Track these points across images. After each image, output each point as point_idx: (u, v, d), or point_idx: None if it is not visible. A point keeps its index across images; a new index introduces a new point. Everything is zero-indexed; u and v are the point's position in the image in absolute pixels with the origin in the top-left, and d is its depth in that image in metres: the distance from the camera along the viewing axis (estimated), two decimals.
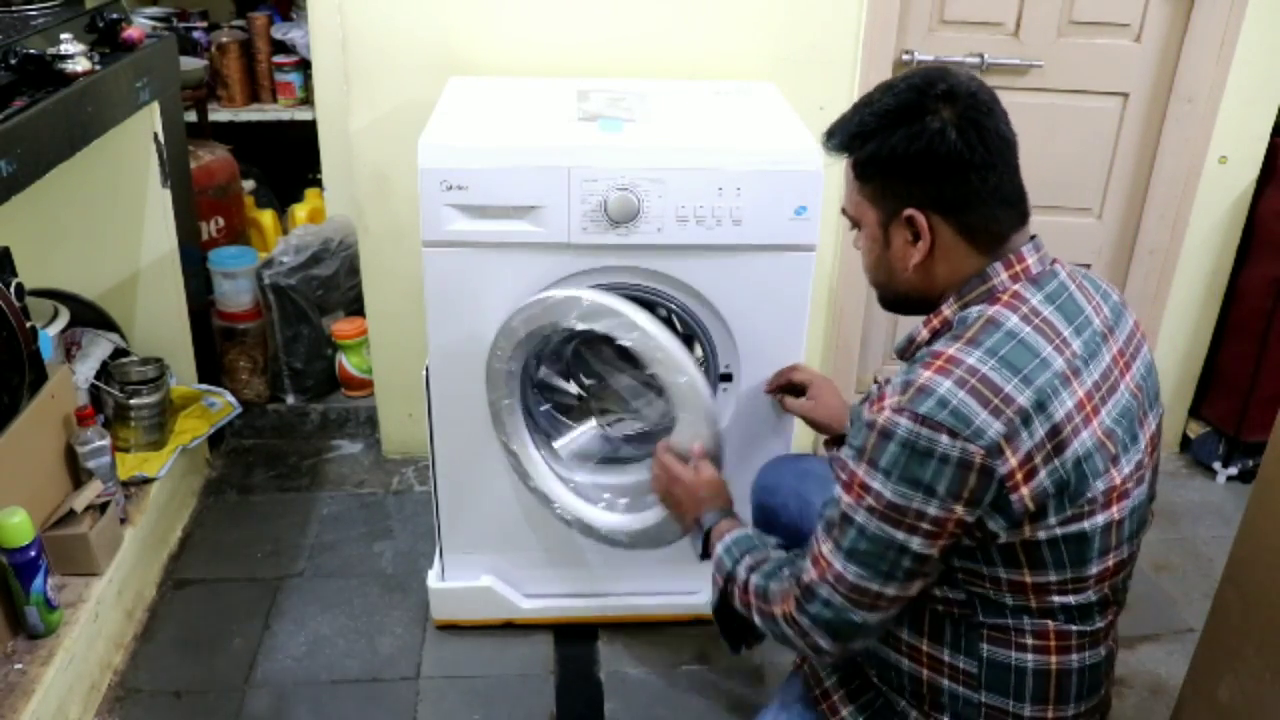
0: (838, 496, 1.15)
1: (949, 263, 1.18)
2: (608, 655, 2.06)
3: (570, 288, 1.70)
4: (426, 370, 1.86)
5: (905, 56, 2.34)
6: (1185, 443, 2.80)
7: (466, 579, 2.05)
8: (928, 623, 1.22)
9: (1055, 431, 1.08)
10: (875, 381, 1.29)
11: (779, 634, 1.23)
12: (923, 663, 1.23)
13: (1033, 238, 1.20)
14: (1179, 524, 2.53)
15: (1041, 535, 1.12)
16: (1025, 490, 1.08)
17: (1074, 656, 1.20)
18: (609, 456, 1.96)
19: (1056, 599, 1.17)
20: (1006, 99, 2.62)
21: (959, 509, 1.08)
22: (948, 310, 1.18)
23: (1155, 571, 2.36)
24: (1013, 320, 1.12)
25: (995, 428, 1.06)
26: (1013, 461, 1.07)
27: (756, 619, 1.28)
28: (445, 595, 2.06)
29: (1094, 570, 1.16)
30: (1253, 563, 1.43)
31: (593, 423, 2.00)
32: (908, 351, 1.22)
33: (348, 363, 2.70)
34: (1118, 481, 1.15)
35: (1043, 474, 1.09)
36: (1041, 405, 1.08)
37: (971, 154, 1.12)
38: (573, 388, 2.01)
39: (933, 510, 1.08)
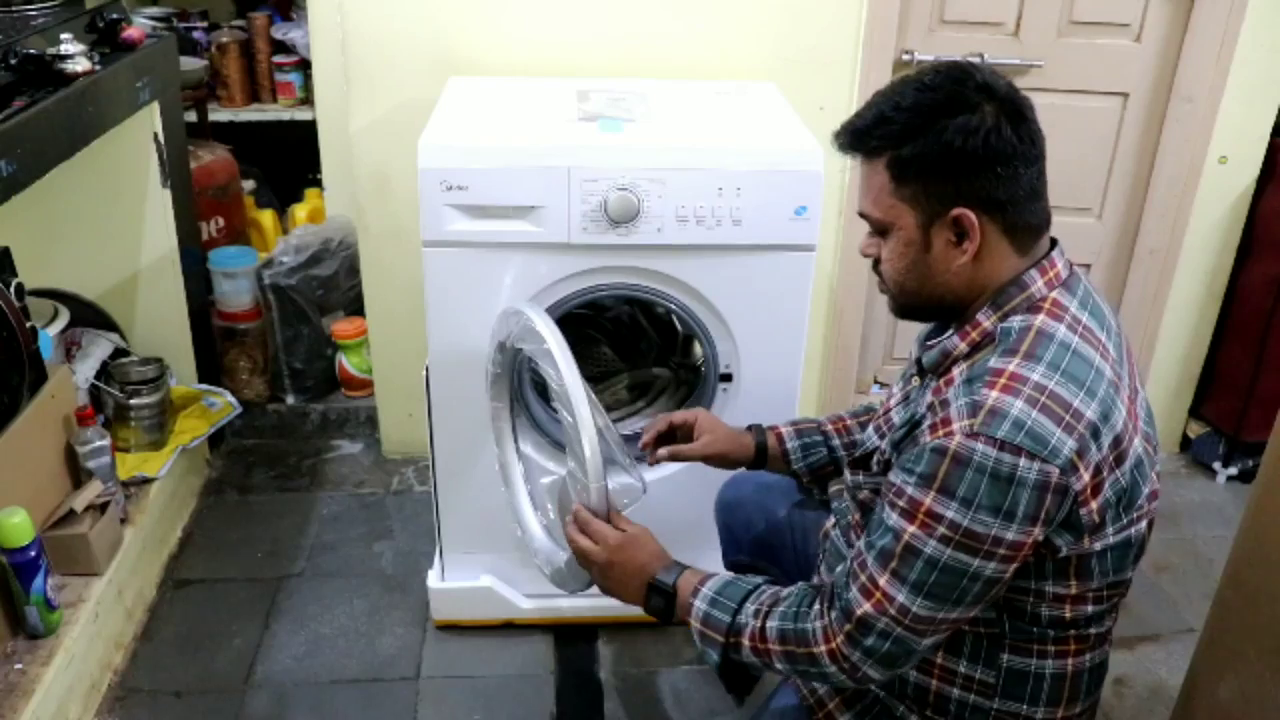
0: (896, 526, 1.08)
1: (991, 262, 1.14)
2: (608, 655, 2.06)
3: (533, 302, 1.64)
4: (426, 370, 1.86)
5: (905, 56, 2.34)
6: (1185, 443, 2.80)
7: (466, 579, 2.05)
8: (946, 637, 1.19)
9: (1117, 442, 1.08)
10: (921, 374, 1.19)
11: (817, 674, 1.17)
12: (933, 675, 1.23)
13: (1055, 241, 1.19)
14: (1179, 524, 2.53)
15: (1097, 546, 1.11)
16: (1094, 504, 1.08)
17: (1087, 657, 1.21)
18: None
19: (1090, 607, 1.16)
20: None
21: (1036, 530, 1.06)
22: (987, 321, 1.14)
23: (1155, 571, 2.36)
24: (1062, 330, 1.10)
25: (1069, 445, 1.04)
26: (1086, 477, 1.05)
27: (781, 664, 1.18)
28: (445, 595, 2.06)
29: (1129, 574, 1.18)
30: (1253, 563, 1.43)
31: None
32: (942, 366, 1.17)
33: (348, 363, 2.70)
34: (1157, 484, 1.16)
35: (1107, 486, 1.08)
36: (1106, 416, 1.07)
37: (1022, 148, 1.10)
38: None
39: (1011, 535, 1.05)
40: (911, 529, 1.07)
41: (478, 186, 1.68)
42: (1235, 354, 2.62)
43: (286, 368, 2.67)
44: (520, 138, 1.76)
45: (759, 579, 1.27)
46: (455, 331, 1.80)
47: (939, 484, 1.05)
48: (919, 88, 1.11)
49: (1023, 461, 1.02)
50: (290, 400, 2.71)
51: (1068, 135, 2.45)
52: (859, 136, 1.15)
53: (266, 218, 3.03)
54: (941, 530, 1.05)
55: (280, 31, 2.95)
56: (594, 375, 2.01)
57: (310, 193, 3.02)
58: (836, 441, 1.56)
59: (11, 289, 1.81)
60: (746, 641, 1.20)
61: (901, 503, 1.08)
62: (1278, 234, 2.47)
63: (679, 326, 1.90)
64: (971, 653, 1.19)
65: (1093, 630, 1.20)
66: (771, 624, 1.18)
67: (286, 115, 2.98)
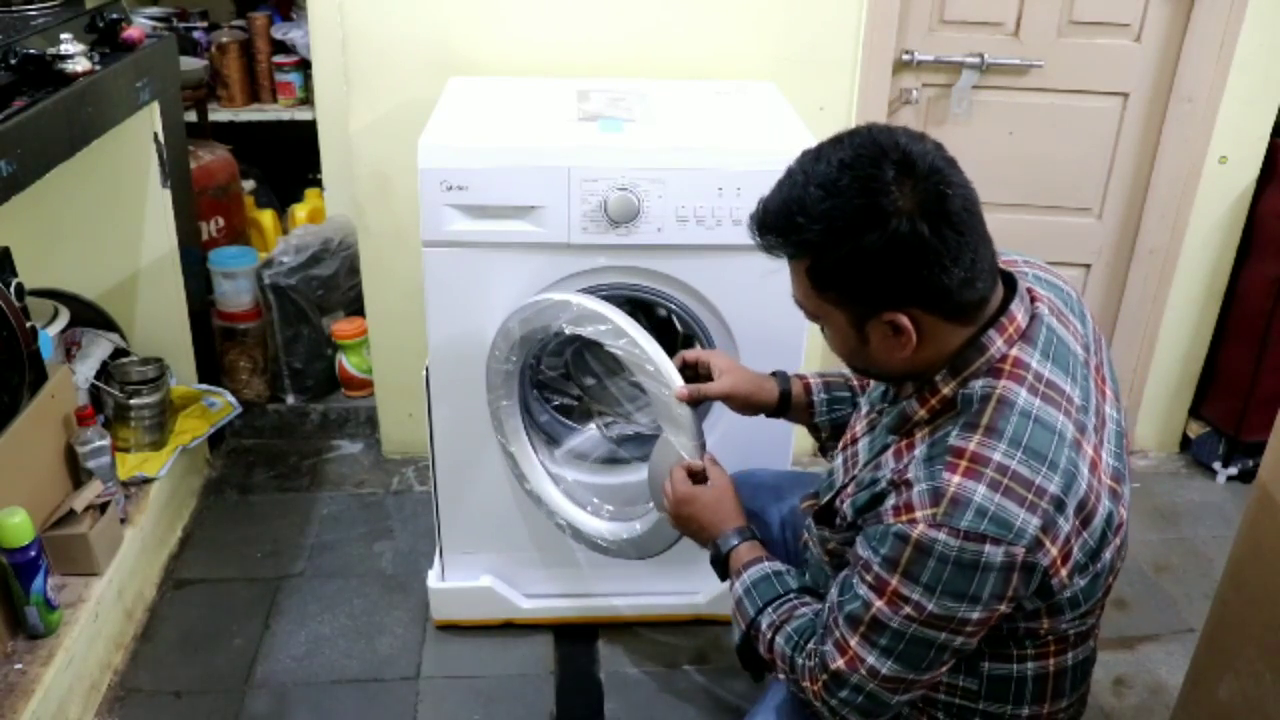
0: (865, 597, 1.08)
1: (936, 345, 1.10)
2: (608, 655, 2.06)
3: (564, 291, 1.69)
4: (426, 370, 1.86)
5: (905, 56, 2.34)
6: (1185, 443, 2.80)
7: (466, 579, 2.05)
8: None
9: (1081, 507, 1.07)
10: (850, 449, 1.25)
11: (804, 699, 1.20)
12: None
13: (1013, 283, 1.14)
14: (1179, 524, 2.53)
15: (1066, 595, 1.11)
16: (1064, 571, 1.07)
17: (1069, 655, 1.21)
18: (607, 458, 1.96)
19: (1065, 627, 1.16)
20: (1006, 99, 2.63)
21: (1003, 607, 1.06)
22: (946, 388, 1.11)
23: (1155, 571, 2.36)
24: (1023, 395, 1.07)
25: (1034, 524, 1.02)
26: (1054, 551, 1.04)
27: (780, 676, 1.24)
28: (445, 595, 2.06)
29: (1100, 595, 1.17)
30: (1253, 563, 1.43)
31: (593, 424, 2.00)
32: (903, 428, 1.15)
33: (348, 363, 2.70)
34: (1123, 516, 1.15)
35: (1076, 550, 1.07)
36: (1069, 487, 1.05)
37: (945, 245, 1.02)
38: (572, 389, 2.01)
39: (977, 614, 1.05)
40: (880, 604, 1.07)
41: (478, 186, 1.68)
42: (1235, 354, 2.61)
43: (286, 368, 2.67)
44: (520, 138, 1.76)
45: (793, 582, 1.29)
46: (455, 331, 1.80)
47: (903, 569, 1.05)
48: (826, 189, 1.03)
49: (988, 548, 1.01)
50: (290, 400, 2.70)
51: (1068, 135, 2.45)
52: (770, 241, 1.10)
53: (266, 218, 3.03)
54: (908, 610, 1.06)
55: (280, 31, 2.94)
56: (594, 375, 2.01)
57: (310, 193, 3.02)
58: (862, 398, 1.52)
59: (11, 289, 1.81)
60: (760, 642, 1.27)
61: (868, 576, 1.08)
62: (1278, 234, 2.47)
63: (679, 326, 1.90)
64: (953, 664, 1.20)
65: (1072, 631, 1.19)
66: (779, 640, 1.23)
67: (286, 115, 2.98)
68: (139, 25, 2.18)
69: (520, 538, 2.01)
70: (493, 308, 1.75)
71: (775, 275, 1.76)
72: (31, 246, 2.10)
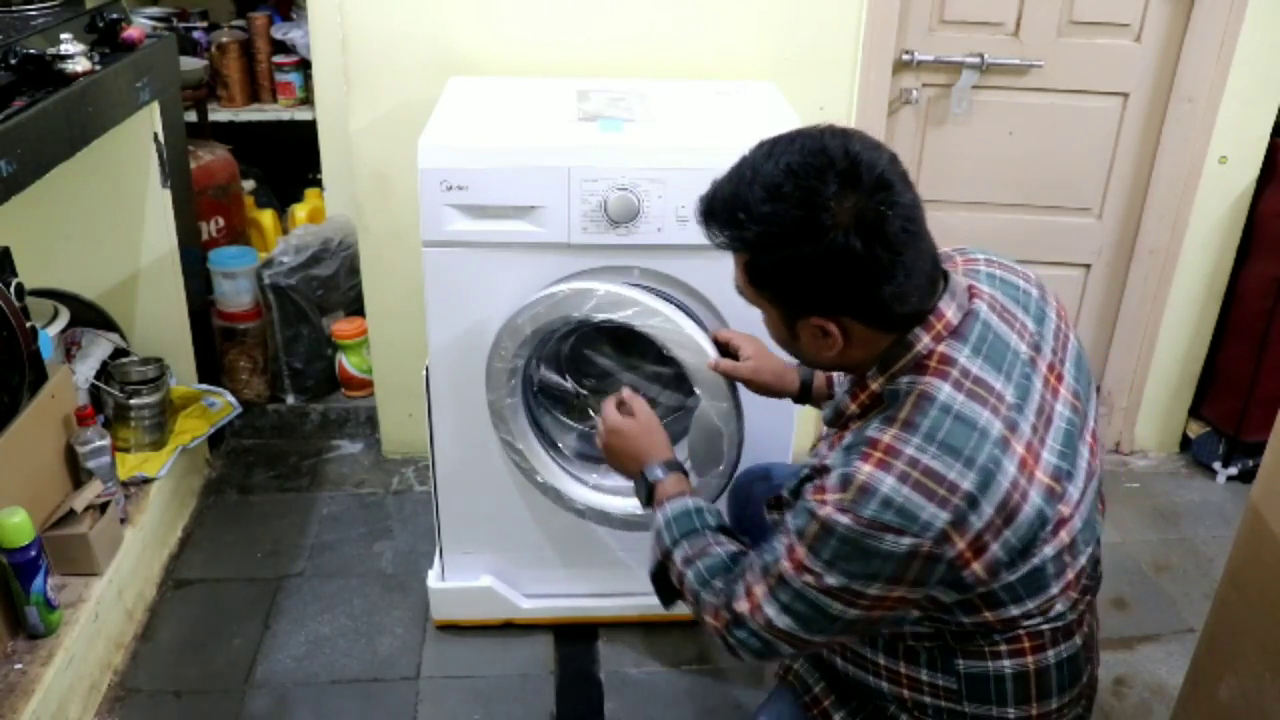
0: (777, 554, 1.12)
1: (865, 347, 1.13)
2: (608, 655, 2.06)
3: (579, 281, 1.71)
4: (426, 370, 1.86)
5: (905, 56, 2.34)
6: (1185, 443, 2.80)
7: (466, 579, 2.05)
8: (902, 650, 1.22)
9: (1003, 505, 1.06)
10: (817, 444, 1.25)
11: (708, 634, 1.25)
12: (902, 684, 1.24)
13: (946, 276, 1.14)
14: (1179, 524, 2.53)
15: (994, 586, 1.10)
16: (977, 565, 1.07)
17: (1049, 653, 1.19)
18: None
19: (1024, 622, 1.15)
20: (1006, 99, 2.63)
21: (899, 589, 1.07)
22: (874, 385, 1.14)
23: (1155, 571, 2.36)
24: (945, 391, 1.08)
25: (941, 518, 1.03)
26: (961, 544, 1.05)
27: (687, 606, 1.30)
28: (445, 595, 2.06)
29: (1055, 590, 1.15)
30: (1253, 563, 1.43)
31: (593, 423, 2.00)
32: (837, 421, 1.19)
33: (348, 363, 2.70)
34: (1066, 514, 1.13)
35: (994, 547, 1.07)
36: (985, 485, 1.05)
37: (878, 262, 1.04)
38: (570, 389, 2.01)
39: (873, 590, 1.07)
40: (785, 564, 1.11)
41: (478, 186, 1.68)
42: (1235, 354, 2.61)
43: (286, 368, 2.67)
44: (520, 138, 1.76)
45: (711, 520, 1.34)
46: (455, 331, 1.80)
47: (808, 542, 1.08)
48: (769, 194, 1.04)
49: (889, 536, 1.04)
50: (290, 400, 2.71)
51: (1068, 135, 2.45)
52: (711, 228, 1.12)
53: (266, 218, 3.03)
54: (808, 578, 1.09)
55: (280, 31, 2.94)
56: (594, 375, 2.01)
57: (310, 193, 3.02)
58: None
59: (11, 289, 1.81)
60: (672, 573, 1.32)
61: (785, 540, 1.12)
62: (1278, 234, 2.47)
63: None
64: (928, 660, 1.20)
65: (1046, 627, 1.17)
66: (689, 575, 1.28)
67: (286, 115, 2.98)
68: (139, 25, 2.18)
69: (520, 538, 2.01)
70: (493, 307, 1.75)
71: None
72: (31, 246, 2.10)
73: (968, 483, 1.04)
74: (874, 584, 1.07)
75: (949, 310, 1.12)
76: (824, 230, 1.03)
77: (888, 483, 1.04)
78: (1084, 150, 2.48)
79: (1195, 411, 2.76)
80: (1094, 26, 2.36)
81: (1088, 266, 2.62)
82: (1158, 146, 2.46)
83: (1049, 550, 1.11)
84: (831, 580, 1.08)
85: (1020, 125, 2.42)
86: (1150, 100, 2.43)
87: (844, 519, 1.05)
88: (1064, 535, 1.13)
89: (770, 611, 1.14)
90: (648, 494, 1.44)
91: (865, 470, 1.05)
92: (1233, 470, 2.67)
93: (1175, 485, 2.68)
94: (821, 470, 1.11)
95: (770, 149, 1.09)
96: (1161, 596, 2.28)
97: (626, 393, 1.55)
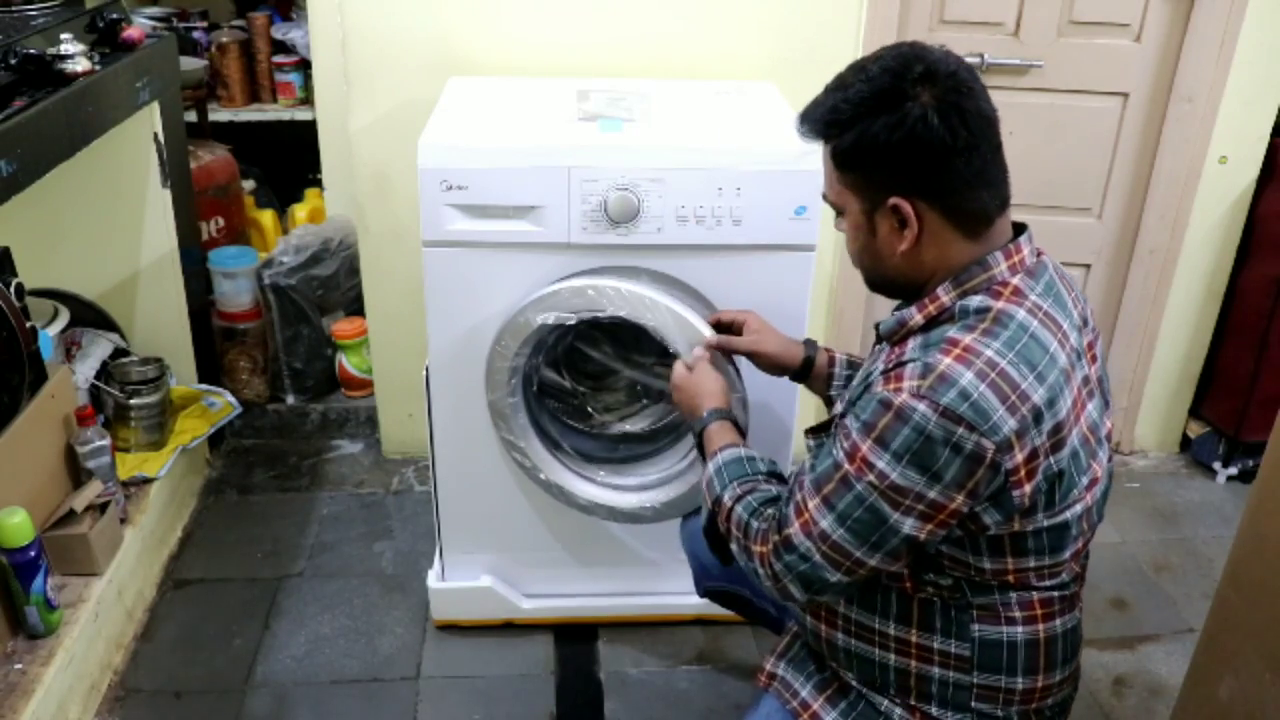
0: (836, 459, 1.13)
1: (937, 248, 1.16)
2: (608, 655, 2.06)
3: (583, 278, 1.72)
4: (426, 370, 1.86)
5: None
6: (1185, 443, 2.80)
7: (466, 579, 2.05)
8: (916, 612, 1.23)
9: (1057, 429, 1.10)
10: (879, 339, 1.28)
11: (752, 570, 1.24)
12: (911, 654, 1.24)
13: (1024, 228, 1.20)
14: (1179, 524, 2.53)
15: (1029, 528, 1.14)
16: (1027, 487, 1.10)
17: (1057, 622, 1.23)
18: (606, 456, 1.96)
19: (1034, 580, 1.20)
20: (1006, 99, 2.62)
21: (959, 497, 1.09)
22: (945, 296, 1.16)
23: (1155, 571, 2.36)
24: (1021, 314, 1.12)
25: (1010, 424, 1.06)
26: (1019, 457, 1.08)
27: (734, 548, 1.28)
28: (445, 595, 2.06)
29: (1068, 554, 1.20)
30: (1253, 563, 1.43)
31: (592, 422, 2.00)
32: (897, 335, 1.20)
33: (348, 363, 2.70)
34: (1098, 474, 1.19)
35: (1040, 471, 1.10)
36: (1051, 403, 1.09)
37: (955, 139, 1.10)
38: (569, 389, 2.01)
39: (933, 494, 1.08)
40: (849, 467, 1.12)
41: (478, 186, 1.68)
42: (1235, 354, 2.62)
43: (286, 368, 2.67)
44: (520, 138, 1.76)
45: (761, 466, 1.34)
46: (455, 331, 1.80)
47: (877, 433, 1.09)
48: (862, 77, 1.14)
49: (960, 430, 1.06)
50: (290, 400, 2.71)
51: (1068, 135, 2.45)
52: (807, 121, 1.20)
53: (266, 218, 3.03)
54: (870, 477, 1.10)
55: (280, 31, 2.94)
56: (594, 374, 2.01)
57: (310, 193, 3.02)
58: None
59: (11, 289, 1.81)
60: (721, 514, 1.31)
61: (845, 442, 1.13)
62: (1278, 234, 2.47)
63: None
64: (943, 627, 1.22)
65: (1056, 593, 1.22)
66: (737, 509, 1.27)
67: (286, 115, 2.98)
68: (139, 25, 2.18)
69: (520, 538, 2.01)
70: (493, 307, 1.75)
71: (772, 271, 1.79)
72: (31, 246, 2.10)
73: (1037, 395, 1.07)
74: (935, 486, 1.08)
75: (1026, 249, 1.17)
76: (907, 99, 1.10)
77: (967, 376, 1.06)
78: (1084, 150, 2.48)
79: (1195, 411, 2.76)
80: (1094, 26, 2.36)
81: (1088, 266, 2.62)
82: (1158, 146, 2.46)
83: (1079, 508, 1.16)
84: (896, 476, 1.08)
85: (1020, 125, 2.42)
86: (1150, 100, 2.43)
87: (920, 405, 1.06)
88: (1089, 498, 1.18)
89: (825, 523, 1.13)
90: (699, 441, 1.45)
91: (946, 361, 1.08)
92: (1233, 470, 2.67)
93: (1175, 485, 2.68)
94: (898, 364, 1.12)
95: (860, 60, 1.17)
96: (1161, 596, 2.28)
97: (698, 350, 1.59)
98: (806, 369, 1.60)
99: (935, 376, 1.07)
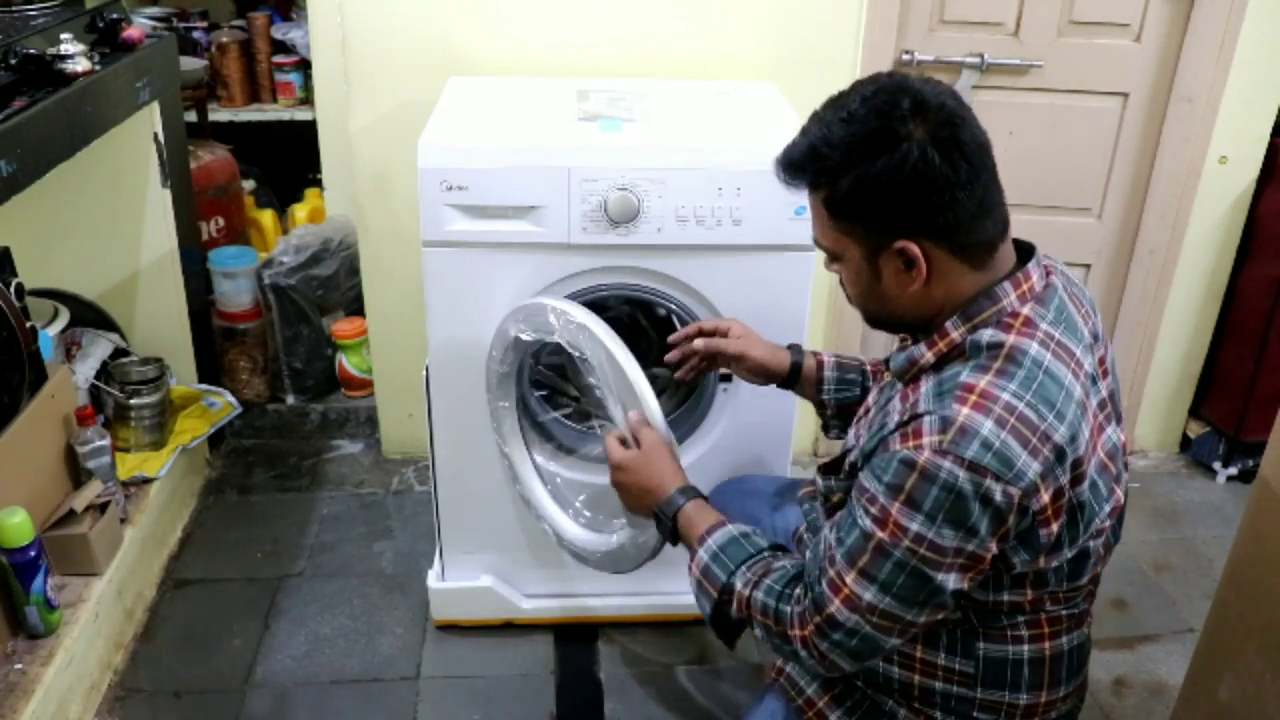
0: (866, 528, 1.09)
1: (945, 283, 1.13)
2: (608, 655, 2.06)
3: (554, 296, 1.68)
4: (426, 370, 1.86)
5: (905, 56, 2.34)
6: (1185, 443, 2.80)
7: (466, 579, 2.05)
8: (922, 632, 1.20)
9: (1077, 464, 1.08)
10: (866, 411, 1.26)
11: (791, 653, 1.19)
12: (915, 669, 1.24)
13: (1032, 250, 1.17)
14: (1179, 524, 2.53)
15: (1053, 563, 1.13)
16: (1054, 525, 1.09)
17: (1063, 639, 1.22)
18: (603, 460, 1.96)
19: (1048, 605, 1.19)
20: (1006, 99, 2.63)
21: (995, 545, 1.07)
22: (955, 333, 1.13)
23: (1155, 571, 2.36)
24: (1034, 348, 1.09)
25: (1034, 468, 1.04)
26: (1045, 498, 1.06)
27: (760, 633, 1.22)
28: (445, 595, 2.06)
29: (1086, 579, 1.19)
30: (1253, 563, 1.43)
31: (593, 425, 2.00)
32: (908, 374, 1.17)
33: (348, 363, 2.70)
34: (1120, 500, 1.17)
35: (1064, 510, 1.09)
36: (1072, 439, 1.07)
37: (957, 174, 1.06)
38: (570, 390, 2.01)
39: (971, 547, 1.06)
40: (882, 535, 1.08)
41: (478, 186, 1.68)
42: (1235, 354, 2.62)
43: (286, 368, 2.67)
44: (520, 138, 1.76)
45: (762, 542, 1.28)
46: (455, 331, 1.80)
47: (905, 496, 1.06)
48: (845, 119, 1.09)
49: (988, 482, 1.03)
50: (290, 400, 2.71)
51: (1068, 135, 2.45)
52: (792, 170, 1.15)
53: (266, 218, 3.03)
54: (907, 541, 1.06)
55: (280, 31, 2.94)
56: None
57: (310, 193, 3.02)
58: (872, 384, 1.54)
59: (11, 289, 1.81)
60: (736, 604, 1.23)
61: (873, 508, 1.09)
62: (1278, 234, 2.47)
63: (679, 326, 1.90)
64: (948, 644, 1.21)
65: (1064, 612, 1.21)
66: (757, 595, 1.21)
67: (286, 115, 2.98)
68: (139, 25, 2.18)
69: (520, 538, 2.01)
70: (493, 308, 1.75)
71: (772, 271, 1.79)
72: (31, 246, 2.10)
73: (1058, 435, 1.06)
74: (973, 540, 1.05)
75: (1034, 275, 1.15)
76: (900, 139, 1.06)
77: (987, 425, 1.04)
78: (1084, 150, 2.48)
79: (1195, 411, 2.76)
80: (1094, 26, 2.36)
81: (1088, 266, 2.62)
82: (1158, 146, 2.46)
83: (1100, 541, 1.16)
84: (934, 536, 1.05)
85: (1020, 125, 2.42)
86: (1150, 100, 2.43)
87: (945, 462, 1.04)
88: (1110, 522, 1.17)
89: (869, 596, 1.09)
90: (671, 528, 1.36)
91: (964, 413, 1.05)
92: (1233, 470, 2.67)
93: (1175, 485, 2.68)
94: (910, 419, 1.09)
95: (837, 98, 1.13)
96: (1161, 596, 2.28)
97: (634, 417, 1.45)
98: (794, 375, 1.58)
99: (956, 430, 1.04)
